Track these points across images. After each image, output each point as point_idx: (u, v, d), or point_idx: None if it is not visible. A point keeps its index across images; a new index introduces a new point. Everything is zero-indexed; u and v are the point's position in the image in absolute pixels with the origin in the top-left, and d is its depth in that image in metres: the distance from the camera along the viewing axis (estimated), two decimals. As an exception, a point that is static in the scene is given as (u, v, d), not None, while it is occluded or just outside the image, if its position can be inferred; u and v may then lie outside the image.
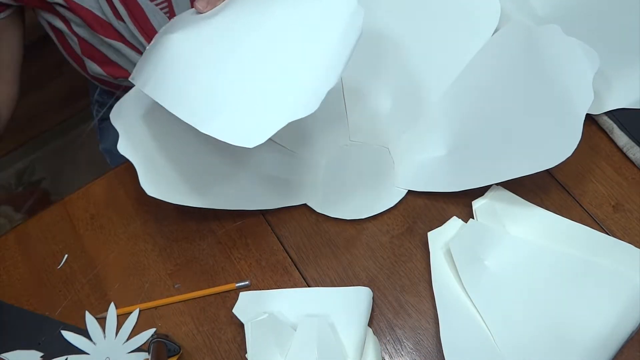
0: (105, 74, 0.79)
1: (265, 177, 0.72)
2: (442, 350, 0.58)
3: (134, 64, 0.75)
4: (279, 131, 0.71)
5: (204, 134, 0.61)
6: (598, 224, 0.66)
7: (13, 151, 1.65)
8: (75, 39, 0.77)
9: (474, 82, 0.70)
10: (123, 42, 0.80)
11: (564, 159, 0.59)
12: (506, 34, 0.69)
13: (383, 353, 0.62)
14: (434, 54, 0.72)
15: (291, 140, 0.73)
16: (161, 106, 0.67)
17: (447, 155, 0.70)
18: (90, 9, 0.74)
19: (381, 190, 0.71)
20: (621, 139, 0.70)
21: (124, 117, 0.68)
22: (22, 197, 1.63)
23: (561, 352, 0.58)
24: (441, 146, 0.71)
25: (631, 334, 0.59)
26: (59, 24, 0.76)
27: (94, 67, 0.80)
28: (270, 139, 0.69)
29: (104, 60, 0.76)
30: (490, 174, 0.65)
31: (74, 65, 0.83)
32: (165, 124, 0.69)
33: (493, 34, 0.70)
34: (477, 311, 0.61)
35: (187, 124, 0.65)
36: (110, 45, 0.79)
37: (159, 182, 0.66)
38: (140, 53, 0.81)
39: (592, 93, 0.59)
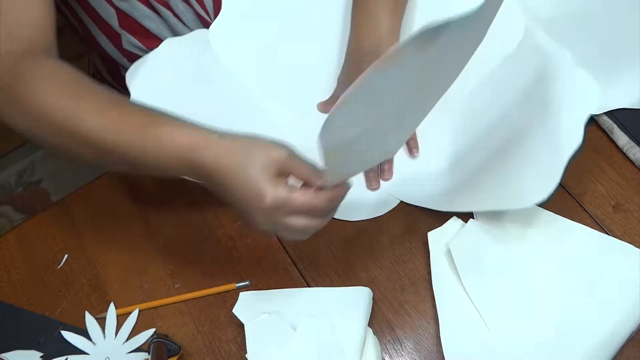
0: (143, 46, 0.78)
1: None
2: (442, 350, 0.58)
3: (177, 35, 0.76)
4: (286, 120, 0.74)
5: (217, 112, 0.64)
6: (598, 224, 0.66)
7: (13, 151, 1.65)
8: (113, 11, 0.76)
9: (478, 105, 0.69)
10: (169, 10, 0.78)
11: (538, 201, 0.58)
12: (519, 57, 0.67)
13: (383, 353, 0.62)
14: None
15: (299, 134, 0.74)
16: (179, 80, 0.70)
17: (440, 174, 0.70)
18: None
19: (378, 198, 0.71)
20: (621, 139, 0.70)
21: (140, 78, 0.69)
22: (22, 197, 1.63)
23: (561, 352, 0.58)
24: (439, 163, 0.71)
25: (631, 334, 0.59)
26: None
27: (131, 40, 0.79)
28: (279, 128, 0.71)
29: (143, 34, 0.76)
30: (473, 201, 0.65)
31: (106, 40, 0.81)
32: (179, 94, 0.70)
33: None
34: (477, 311, 0.61)
35: (203, 100, 0.69)
36: (154, 17, 0.78)
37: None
38: (185, 24, 0.80)
39: (581, 136, 0.57)
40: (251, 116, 0.74)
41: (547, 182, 0.57)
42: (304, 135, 0.72)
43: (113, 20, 0.77)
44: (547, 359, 0.58)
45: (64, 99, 0.55)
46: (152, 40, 0.80)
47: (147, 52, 0.76)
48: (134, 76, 0.69)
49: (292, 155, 0.50)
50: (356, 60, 0.70)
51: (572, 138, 0.58)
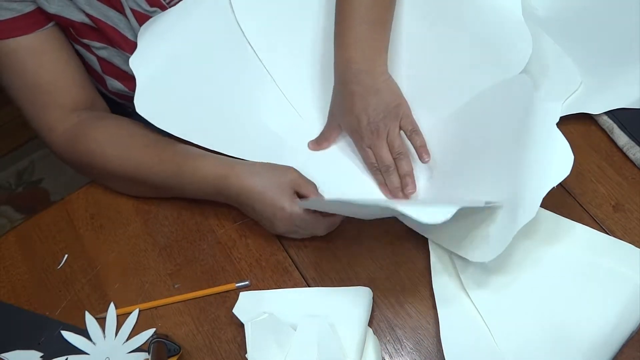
0: (127, 90, 0.79)
1: (264, 130, 0.74)
2: (442, 350, 0.58)
3: None
4: (292, 92, 0.77)
5: (225, 77, 0.70)
6: (598, 224, 0.66)
7: (13, 151, 1.65)
8: (95, 59, 0.78)
9: (467, 123, 0.69)
10: None
11: (479, 260, 0.58)
12: (512, 87, 0.67)
13: (383, 353, 0.62)
14: (454, 74, 0.71)
15: (301, 104, 0.76)
16: (187, 36, 0.73)
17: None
18: (117, 28, 0.74)
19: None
20: (621, 139, 0.70)
21: (151, 34, 0.70)
22: (22, 197, 1.63)
23: (561, 351, 0.58)
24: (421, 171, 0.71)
25: (631, 334, 0.59)
26: (77, 46, 0.77)
27: (115, 84, 0.81)
28: (282, 97, 0.76)
29: (126, 77, 0.77)
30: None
31: (95, 82, 0.83)
32: (189, 53, 0.72)
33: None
34: (477, 311, 0.61)
35: (212, 64, 0.73)
36: None
37: (154, 105, 0.68)
38: None
39: (537, 206, 0.57)
40: (254, 83, 0.76)
41: (492, 247, 0.57)
42: (303, 106, 0.76)
43: (96, 66, 0.78)
44: (547, 358, 0.58)
45: (115, 148, 0.70)
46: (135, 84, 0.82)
47: (130, 94, 0.77)
48: (145, 31, 0.70)
49: (298, 177, 0.66)
50: (345, 82, 0.69)
51: (527, 213, 0.57)
